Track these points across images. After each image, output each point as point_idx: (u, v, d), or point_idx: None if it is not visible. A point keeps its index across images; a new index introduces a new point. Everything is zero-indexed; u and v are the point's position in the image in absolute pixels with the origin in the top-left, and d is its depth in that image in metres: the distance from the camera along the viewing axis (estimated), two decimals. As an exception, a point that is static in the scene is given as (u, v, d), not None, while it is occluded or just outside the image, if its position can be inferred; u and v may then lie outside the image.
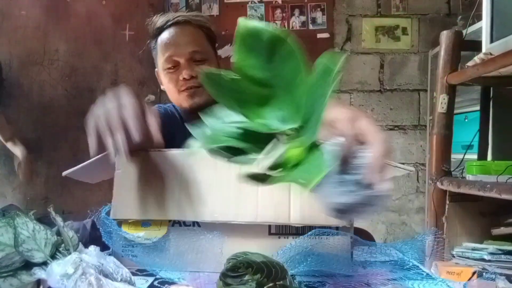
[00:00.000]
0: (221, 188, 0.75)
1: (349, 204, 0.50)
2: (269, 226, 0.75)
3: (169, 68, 1.12)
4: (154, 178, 0.78)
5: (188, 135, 0.64)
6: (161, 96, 2.69)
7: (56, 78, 2.64)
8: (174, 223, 0.77)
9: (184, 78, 1.09)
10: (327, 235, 0.71)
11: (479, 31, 1.52)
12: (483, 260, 1.36)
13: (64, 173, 0.84)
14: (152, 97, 2.64)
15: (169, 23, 1.13)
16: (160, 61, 1.13)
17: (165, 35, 1.13)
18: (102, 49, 2.67)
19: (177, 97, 1.13)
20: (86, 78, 2.65)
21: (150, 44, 1.20)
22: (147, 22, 1.19)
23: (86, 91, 2.64)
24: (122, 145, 0.64)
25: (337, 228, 0.73)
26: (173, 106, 1.23)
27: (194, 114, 1.04)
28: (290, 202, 0.73)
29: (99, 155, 0.80)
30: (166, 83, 1.14)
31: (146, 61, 2.64)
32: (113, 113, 0.66)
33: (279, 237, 0.74)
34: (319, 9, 2.92)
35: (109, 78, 2.66)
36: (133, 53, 2.66)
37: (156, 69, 1.21)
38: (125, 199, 0.77)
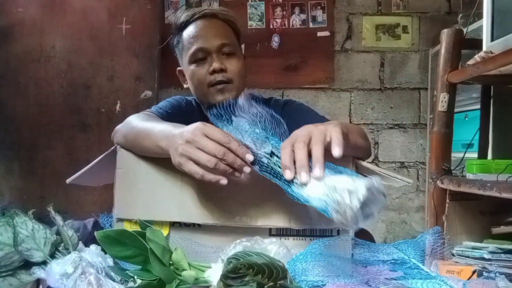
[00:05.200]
0: (222, 191, 0.75)
1: None
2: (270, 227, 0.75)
3: (197, 61, 1.09)
4: (156, 179, 0.77)
5: None
6: (158, 92, 2.66)
7: (53, 76, 2.62)
8: (174, 223, 0.76)
9: (213, 70, 1.06)
10: (328, 236, 0.71)
11: (479, 29, 1.51)
12: (483, 259, 1.35)
13: (68, 181, 0.84)
14: (149, 93, 2.61)
15: (195, 16, 1.11)
16: (187, 54, 1.10)
17: (192, 28, 1.10)
18: (98, 44, 2.63)
19: (204, 92, 1.09)
20: (82, 75, 2.62)
21: (172, 40, 1.17)
22: (168, 21, 1.17)
23: (82, 88, 2.61)
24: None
25: (338, 229, 0.73)
26: (195, 100, 1.19)
27: None
28: (291, 205, 0.73)
29: (100, 156, 0.79)
30: (192, 78, 1.10)
31: (142, 56, 2.63)
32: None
33: (280, 238, 0.74)
34: (319, 7, 2.92)
35: (105, 74, 2.63)
36: (129, 47, 2.63)
37: (178, 68, 1.18)
38: (128, 198, 0.77)
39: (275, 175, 0.67)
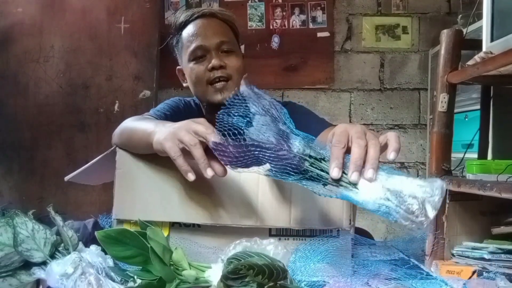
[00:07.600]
0: (222, 191, 0.75)
1: None
2: (270, 228, 0.75)
3: (196, 58, 1.09)
4: (156, 179, 0.77)
5: None
6: (157, 92, 2.65)
7: (52, 75, 2.61)
8: (174, 223, 0.76)
9: (213, 67, 1.06)
10: (328, 236, 0.71)
11: (479, 30, 1.52)
12: (483, 259, 1.36)
13: (66, 178, 0.84)
14: (148, 93, 2.61)
15: (195, 16, 1.12)
16: (186, 52, 1.11)
17: (191, 27, 1.12)
18: (97, 43, 2.63)
19: (204, 90, 1.09)
20: (81, 75, 2.62)
21: (172, 40, 1.19)
22: (167, 22, 1.19)
23: (81, 87, 2.61)
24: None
25: (338, 229, 0.73)
26: (194, 100, 1.20)
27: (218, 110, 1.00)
28: (291, 205, 0.73)
29: (99, 156, 0.79)
30: (192, 76, 1.10)
31: (141, 55, 2.63)
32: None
33: (279, 239, 0.74)
34: (319, 7, 2.92)
35: (104, 74, 2.63)
36: (128, 47, 2.63)
37: (178, 67, 1.19)
38: (127, 199, 0.77)
39: (309, 177, 0.61)
